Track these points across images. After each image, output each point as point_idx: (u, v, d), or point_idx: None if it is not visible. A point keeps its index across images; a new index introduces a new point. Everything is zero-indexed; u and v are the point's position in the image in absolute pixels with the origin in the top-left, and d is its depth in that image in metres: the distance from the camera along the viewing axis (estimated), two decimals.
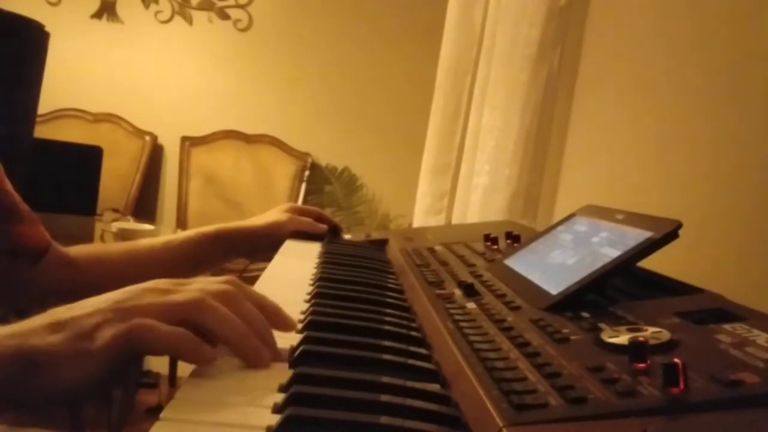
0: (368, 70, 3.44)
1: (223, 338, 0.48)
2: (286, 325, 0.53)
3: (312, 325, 0.55)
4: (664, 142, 1.18)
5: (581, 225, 0.74)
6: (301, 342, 0.49)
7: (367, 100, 3.44)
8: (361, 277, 0.76)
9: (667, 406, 0.36)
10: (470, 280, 0.69)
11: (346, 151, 3.43)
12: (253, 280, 0.71)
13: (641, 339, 0.42)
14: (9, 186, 0.81)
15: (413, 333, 0.56)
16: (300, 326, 0.55)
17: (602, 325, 0.49)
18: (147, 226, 2.52)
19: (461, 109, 1.87)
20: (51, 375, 0.44)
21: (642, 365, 0.40)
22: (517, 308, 0.59)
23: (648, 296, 0.59)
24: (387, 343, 0.52)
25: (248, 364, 0.47)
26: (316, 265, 0.82)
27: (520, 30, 1.49)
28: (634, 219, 0.65)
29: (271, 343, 0.49)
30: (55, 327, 0.46)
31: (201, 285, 0.50)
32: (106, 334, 0.45)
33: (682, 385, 0.36)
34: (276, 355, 0.49)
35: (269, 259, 0.87)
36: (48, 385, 0.44)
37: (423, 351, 0.51)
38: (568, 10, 1.47)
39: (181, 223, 3.27)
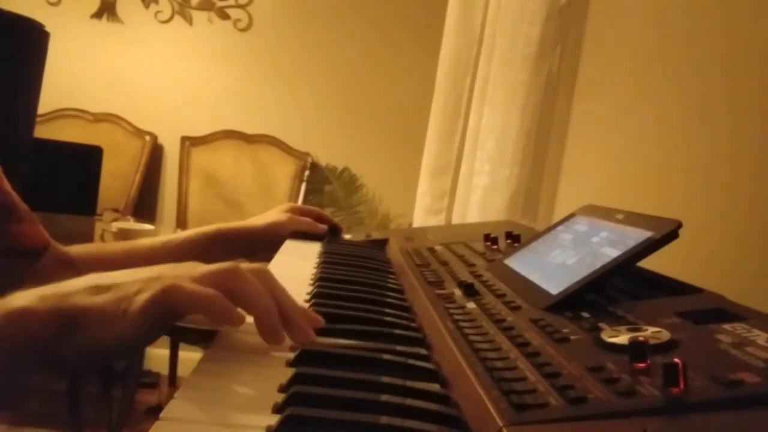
0: (368, 70, 3.44)
1: (249, 307, 0.49)
2: (314, 321, 0.54)
3: None
4: (663, 141, 1.18)
5: (581, 225, 0.74)
6: None
7: (368, 99, 3.44)
8: (361, 277, 0.76)
9: (667, 406, 0.36)
10: (470, 280, 0.69)
11: (346, 151, 3.43)
12: None
13: (641, 339, 0.42)
14: (7, 185, 0.81)
15: (413, 333, 0.56)
16: None
17: (602, 325, 0.49)
18: (147, 226, 2.52)
19: (461, 109, 1.87)
20: (88, 334, 0.45)
21: (642, 365, 0.40)
22: (517, 308, 0.59)
23: (648, 296, 0.59)
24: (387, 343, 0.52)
25: (265, 339, 0.49)
26: (315, 265, 0.82)
27: (520, 30, 1.49)
28: (634, 219, 0.65)
29: (294, 322, 0.50)
30: (98, 290, 0.47)
31: (235, 263, 0.51)
32: (143, 297, 0.46)
33: (682, 385, 0.36)
34: (301, 336, 0.50)
35: (269, 259, 0.87)
36: (84, 344, 0.45)
37: (423, 351, 0.51)
38: (568, 10, 1.47)
39: (181, 223, 3.27)
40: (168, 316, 0.47)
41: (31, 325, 0.44)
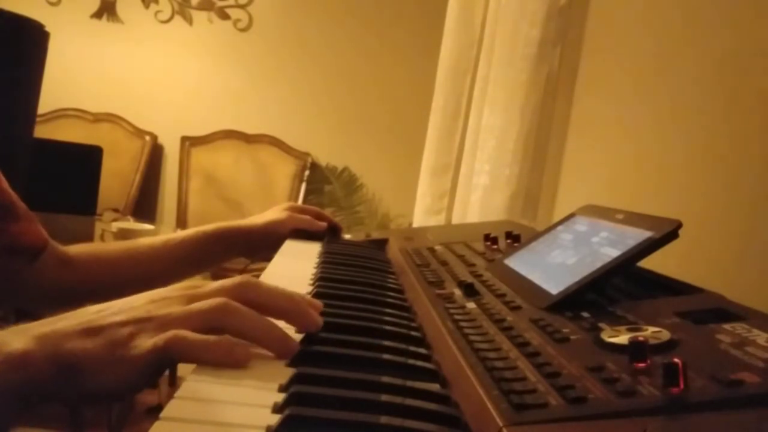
0: (368, 70, 3.44)
1: (249, 338, 0.49)
2: (313, 305, 0.54)
3: None
4: (663, 141, 1.18)
5: (581, 225, 0.74)
6: (301, 342, 0.49)
7: (367, 99, 3.44)
8: (361, 277, 0.76)
9: (667, 406, 0.36)
10: (470, 279, 0.69)
11: (346, 151, 3.43)
12: None
13: (641, 339, 0.42)
14: (6, 185, 0.81)
15: (413, 333, 0.56)
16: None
17: (602, 325, 0.49)
18: (147, 226, 2.53)
19: (461, 109, 1.87)
20: (88, 379, 0.45)
21: (642, 365, 0.40)
22: (517, 308, 0.59)
23: (648, 296, 0.59)
24: (387, 343, 0.51)
25: (278, 356, 0.48)
26: (315, 265, 0.82)
27: (520, 30, 1.49)
28: (634, 219, 0.65)
29: (295, 315, 0.51)
30: (90, 332, 0.46)
31: (218, 285, 0.50)
32: (144, 344, 0.45)
33: (682, 385, 0.36)
34: (307, 323, 0.51)
35: (269, 258, 0.87)
36: (84, 388, 0.45)
37: (423, 351, 0.51)
38: (568, 10, 1.47)
39: (181, 223, 3.27)
40: (168, 364, 0.46)
41: (32, 369, 0.43)
